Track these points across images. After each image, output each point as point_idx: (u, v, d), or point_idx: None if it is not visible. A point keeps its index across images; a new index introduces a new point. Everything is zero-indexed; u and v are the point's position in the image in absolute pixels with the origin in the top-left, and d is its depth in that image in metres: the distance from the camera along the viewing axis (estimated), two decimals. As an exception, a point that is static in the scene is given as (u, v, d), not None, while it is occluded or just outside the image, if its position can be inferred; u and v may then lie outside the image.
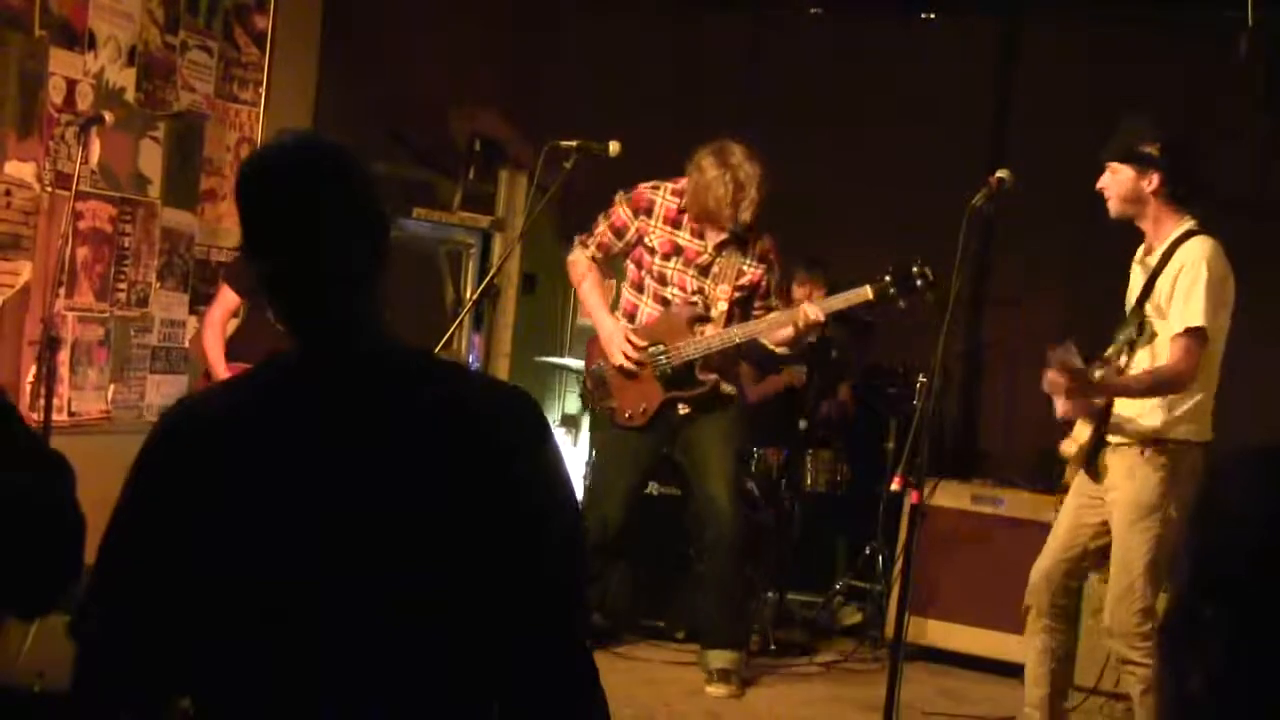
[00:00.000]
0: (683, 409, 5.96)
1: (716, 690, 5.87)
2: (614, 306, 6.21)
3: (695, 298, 5.89)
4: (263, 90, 7.47)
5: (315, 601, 1.95)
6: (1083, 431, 4.84)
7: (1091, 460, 4.81)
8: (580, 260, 6.10)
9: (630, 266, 6.07)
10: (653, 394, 5.93)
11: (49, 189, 6.25)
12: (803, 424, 6.97)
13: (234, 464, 1.97)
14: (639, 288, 6.01)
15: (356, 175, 2.06)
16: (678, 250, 5.89)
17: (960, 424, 7.91)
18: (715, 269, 5.87)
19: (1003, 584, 6.30)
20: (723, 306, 5.86)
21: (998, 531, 6.59)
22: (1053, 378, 4.63)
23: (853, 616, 7.15)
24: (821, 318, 5.66)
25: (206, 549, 1.95)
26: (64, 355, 6.29)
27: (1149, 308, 4.73)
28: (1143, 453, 4.70)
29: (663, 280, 5.93)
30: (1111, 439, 4.77)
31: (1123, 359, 4.76)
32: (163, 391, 7.10)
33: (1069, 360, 4.56)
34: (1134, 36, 7.32)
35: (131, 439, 7.30)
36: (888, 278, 5.59)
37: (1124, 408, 4.75)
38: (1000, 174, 4.69)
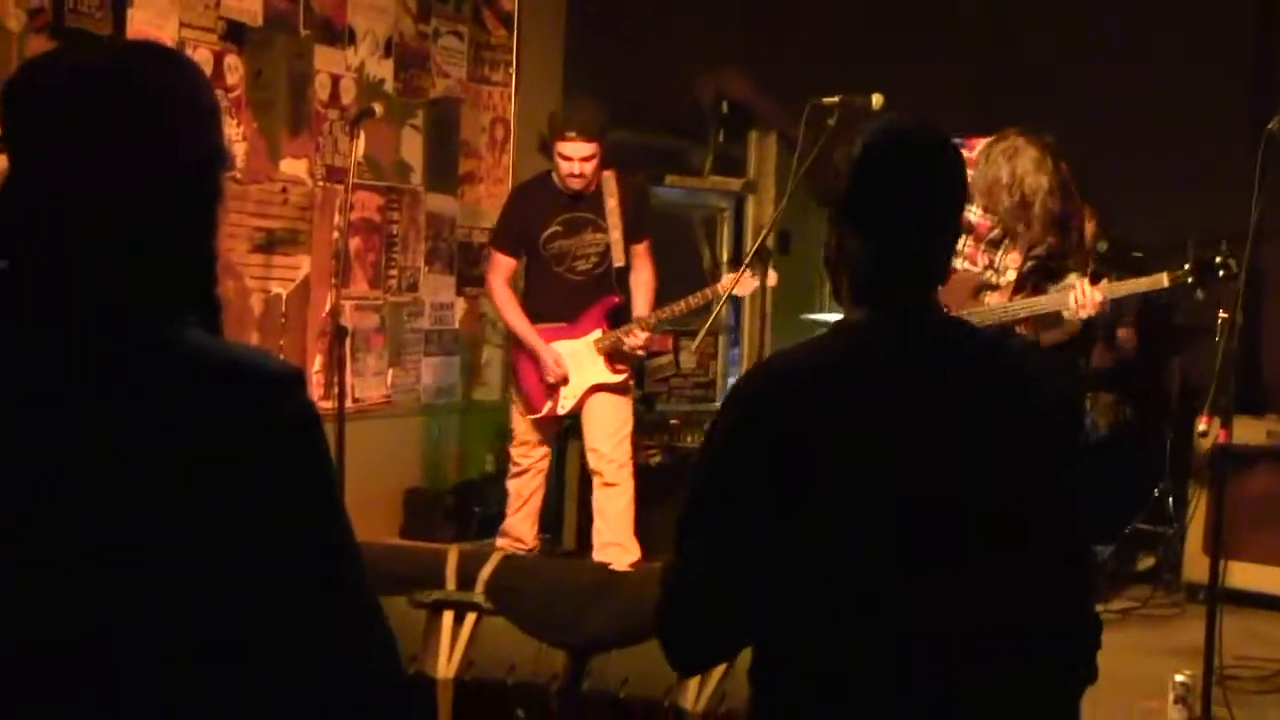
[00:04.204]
0: None
1: None
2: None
3: (987, 273, 5.67)
4: (513, 70, 7.57)
5: (903, 562, 2.01)
6: None
7: None
8: None
9: None
10: None
11: (321, 183, 6.43)
12: (1083, 366, 6.80)
13: (829, 419, 2.03)
14: None
15: (965, 171, 2.21)
16: (969, 227, 5.67)
17: (1244, 357, 7.58)
18: (1007, 239, 5.64)
19: (1306, 521, 6.10)
20: (1011, 275, 5.59)
21: (1296, 466, 6.34)
22: None
23: (1145, 561, 6.95)
24: (1099, 301, 5.31)
25: (796, 498, 2.01)
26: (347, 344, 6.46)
27: None
28: None
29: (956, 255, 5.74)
30: None
31: None
32: (437, 374, 7.26)
33: None
34: None
35: (411, 421, 7.43)
36: (1187, 266, 5.28)
37: None
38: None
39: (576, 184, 5.85)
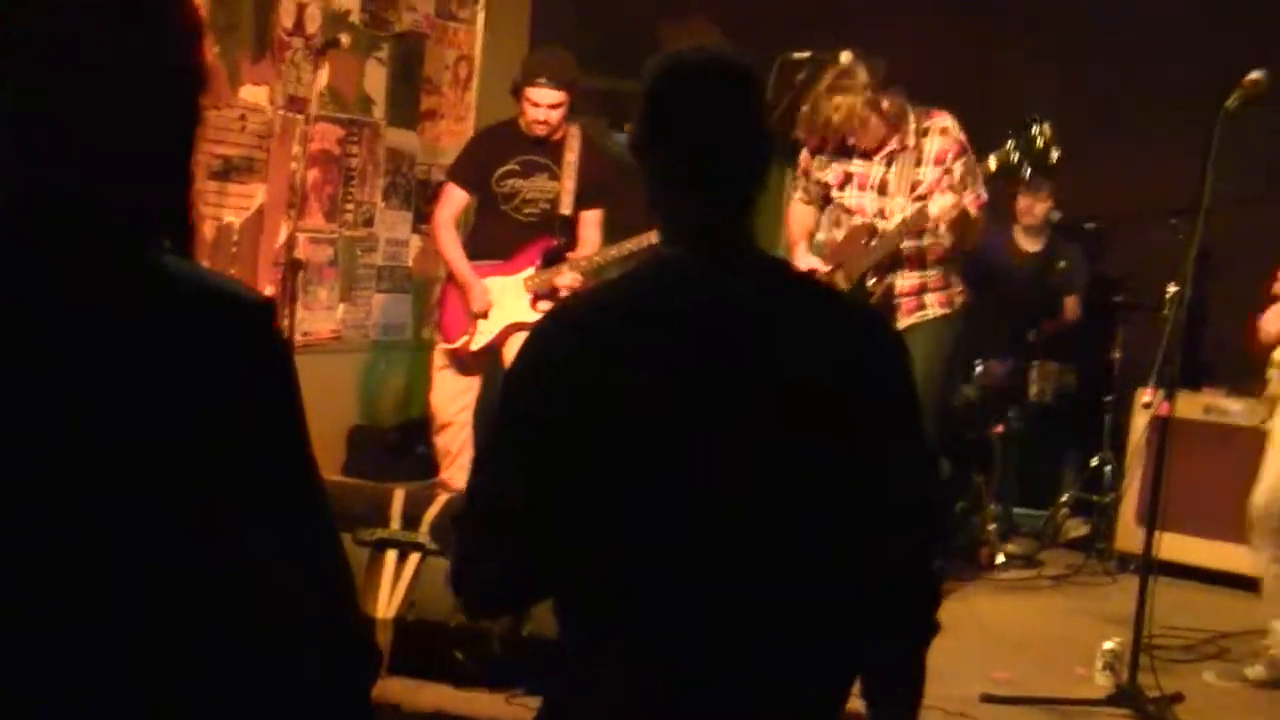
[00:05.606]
0: None
1: None
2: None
3: (877, 220, 5.67)
4: (480, 8, 7.53)
5: (720, 509, 1.97)
6: None
7: None
8: (796, 208, 5.93)
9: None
10: None
11: (281, 112, 6.38)
12: (1030, 335, 6.87)
13: (633, 360, 1.97)
14: (837, 223, 5.86)
15: (760, 92, 2.15)
16: (849, 178, 5.67)
17: (1187, 331, 7.66)
18: (891, 183, 5.65)
19: (1237, 496, 6.16)
20: (899, 217, 5.60)
21: (1231, 442, 6.42)
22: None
23: (1077, 529, 7.05)
24: (949, 204, 5.31)
25: (597, 443, 1.96)
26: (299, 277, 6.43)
27: None
28: None
29: (848, 211, 5.73)
30: None
31: None
32: (388, 311, 7.25)
33: None
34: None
35: (359, 357, 7.37)
36: (1010, 143, 5.32)
37: None
38: (1254, 75, 4.51)
39: (540, 130, 5.88)
